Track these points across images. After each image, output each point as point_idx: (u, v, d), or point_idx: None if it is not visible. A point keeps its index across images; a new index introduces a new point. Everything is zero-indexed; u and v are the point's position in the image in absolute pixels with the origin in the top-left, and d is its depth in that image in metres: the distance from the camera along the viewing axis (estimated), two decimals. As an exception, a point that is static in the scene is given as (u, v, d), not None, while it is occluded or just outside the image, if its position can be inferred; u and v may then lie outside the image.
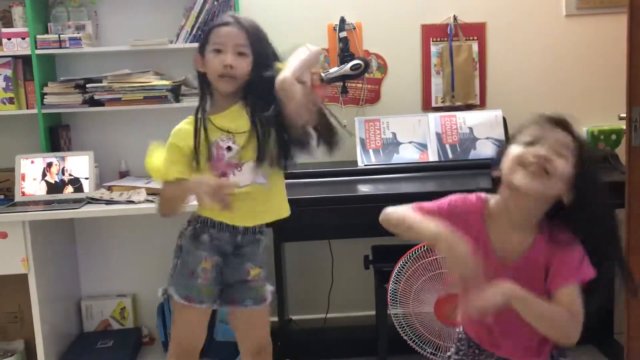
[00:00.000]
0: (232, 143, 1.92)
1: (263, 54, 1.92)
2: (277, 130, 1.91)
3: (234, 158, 1.92)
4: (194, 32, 2.95)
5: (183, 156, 1.94)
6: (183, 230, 2.04)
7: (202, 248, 1.98)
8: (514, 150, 1.45)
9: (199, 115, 1.97)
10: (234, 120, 1.93)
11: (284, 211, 2.07)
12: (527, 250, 1.46)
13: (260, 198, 1.97)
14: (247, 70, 1.91)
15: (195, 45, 2.90)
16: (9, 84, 2.97)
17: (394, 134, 3.04)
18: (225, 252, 2.01)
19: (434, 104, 3.23)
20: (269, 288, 2.10)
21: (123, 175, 3.16)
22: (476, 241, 1.45)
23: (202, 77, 2.00)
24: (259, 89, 1.90)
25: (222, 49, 1.90)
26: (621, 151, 3.09)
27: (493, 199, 1.52)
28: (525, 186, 1.39)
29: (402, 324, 2.54)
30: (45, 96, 2.97)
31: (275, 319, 2.86)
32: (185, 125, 1.99)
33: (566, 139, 1.44)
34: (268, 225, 2.10)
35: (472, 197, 1.54)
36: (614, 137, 3.17)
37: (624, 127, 2.47)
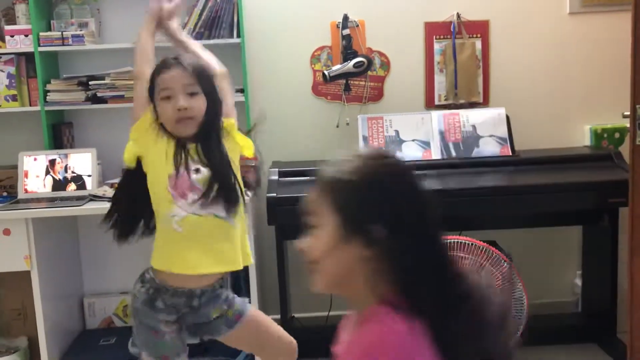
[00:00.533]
0: (202, 166, 1.85)
1: (214, 91, 1.88)
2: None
3: (199, 182, 1.84)
4: (196, 30, 2.94)
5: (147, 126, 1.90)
6: (136, 292, 1.94)
7: (157, 311, 1.89)
8: None
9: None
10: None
11: (246, 258, 1.95)
12: None
13: (220, 235, 1.87)
14: (203, 108, 1.85)
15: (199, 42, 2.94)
16: (12, 81, 2.97)
17: (397, 132, 3.03)
18: (182, 312, 1.92)
19: (437, 102, 3.23)
20: (238, 302, 2.00)
21: (126, 172, 3.16)
22: None
23: (164, 128, 1.88)
24: (215, 128, 1.88)
25: (171, 94, 1.82)
26: (625, 149, 3.08)
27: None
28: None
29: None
30: (48, 93, 2.97)
31: (278, 316, 2.86)
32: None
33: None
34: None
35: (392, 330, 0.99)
36: (617, 135, 3.16)
37: (628, 125, 2.46)
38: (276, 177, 2.85)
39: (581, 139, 3.25)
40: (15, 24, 2.97)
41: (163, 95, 1.83)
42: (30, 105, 3.00)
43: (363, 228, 1.00)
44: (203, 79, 1.85)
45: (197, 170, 1.84)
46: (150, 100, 1.88)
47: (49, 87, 2.97)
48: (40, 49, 2.91)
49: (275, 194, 2.71)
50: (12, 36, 2.91)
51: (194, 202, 1.83)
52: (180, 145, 1.86)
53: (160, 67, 1.86)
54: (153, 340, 1.90)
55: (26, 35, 2.91)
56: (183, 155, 1.84)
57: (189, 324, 1.96)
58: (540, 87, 3.25)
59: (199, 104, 1.83)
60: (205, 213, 1.84)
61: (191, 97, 1.82)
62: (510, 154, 2.98)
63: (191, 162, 1.85)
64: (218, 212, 1.85)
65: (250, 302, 2.05)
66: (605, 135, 3.17)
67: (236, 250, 1.90)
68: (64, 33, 2.92)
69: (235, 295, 2.02)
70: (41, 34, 2.92)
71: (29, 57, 2.98)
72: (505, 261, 2.35)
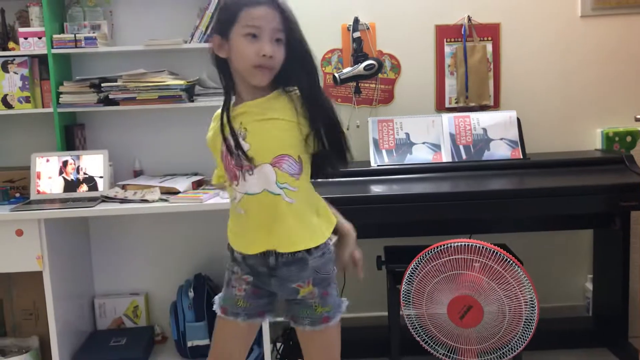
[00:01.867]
0: (242, 140, 1.67)
1: (297, 42, 1.68)
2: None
3: (244, 158, 1.66)
4: (208, 32, 2.96)
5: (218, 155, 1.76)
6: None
7: (236, 263, 1.80)
8: None
9: (224, 113, 1.72)
10: (267, 109, 1.68)
11: (317, 236, 1.73)
12: None
13: (277, 214, 1.67)
14: (282, 59, 1.68)
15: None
16: (26, 83, 2.99)
17: (407, 135, 3.03)
18: (259, 272, 1.77)
19: (447, 105, 3.23)
20: (334, 305, 1.80)
21: (137, 174, 3.18)
22: None
23: (224, 65, 1.72)
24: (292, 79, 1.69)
25: (259, 34, 1.64)
26: (637, 153, 3.07)
27: None
28: None
29: (414, 325, 2.53)
30: (60, 95, 2.99)
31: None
32: (212, 124, 1.79)
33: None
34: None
35: None
36: (629, 139, 3.14)
37: (640, 128, 2.45)
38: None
39: (593, 142, 3.24)
40: (28, 26, 3.00)
41: (247, 32, 1.63)
42: (43, 107, 3.03)
43: None
44: (292, 27, 1.67)
45: (237, 146, 1.66)
46: (220, 30, 1.68)
47: (61, 89, 2.99)
48: (54, 51, 2.93)
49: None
50: (25, 38, 2.94)
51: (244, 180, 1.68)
52: (225, 111, 1.71)
53: (251, 1, 1.65)
54: (225, 289, 1.84)
55: (39, 38, 2.94)
56: (228, 127, 1.68)
57: (277, 293, 1.81)
58: (551, 90, 3.24)
59: (281, 55, 1.66)
60: (258, 191, 1.67)
61: (277, 43, 1.66)
62: (521, 157, 2.97)
63: (229, 137, 1.68)
64: (271, 188, 1.66)
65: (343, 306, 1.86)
66: (617, 138, 3.15)
67: (297, 228, 1.70)
68: (76, 35, 2.95)
69: (335, 293, 1.81)
70: (54, 36, 2.94)
71: (42, 59, 3.00)
72: (516, 264, 2.35)
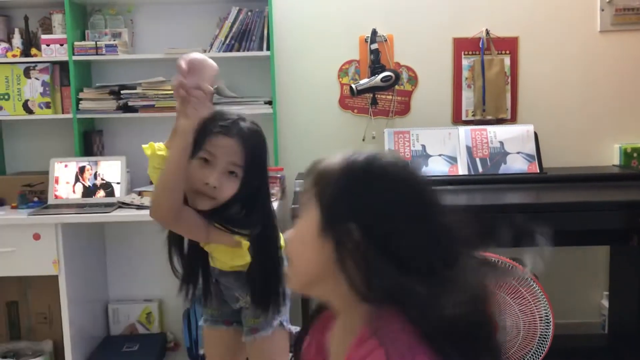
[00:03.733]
0: None
1: (253, 184, 1.65)
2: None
3: None
4: (227, 41, 2.98)
5: None
6: None
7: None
8: None
9: None
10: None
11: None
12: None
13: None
14: (231, 194, 1.64)
15: (229, 54, 2.98)
16: (47, 89, 3.03)
17: (424, 147, 3.03)
18: (216, 280, 1.87)
19: (464, 117, 3.22)
20: (265, 319, 1.83)
21: (153, 181, 3.20)
22: None
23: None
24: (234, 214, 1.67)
25: (212, 161, 1.62)
26: (655, 169, 3.04)
27: None
28: None
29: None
30: (80, 102, 3.02)
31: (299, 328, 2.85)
32: None
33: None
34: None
35: None
36: (648, 155, 3.12)
37: (659, 144, 2.43)
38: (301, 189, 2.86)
39: (610, 157, 3.22)
40: (51, 33, 3.04)
41: (202, 156, 1.63)
42: (63, 113, 3.06)
43: (339, 225, 0.93)
44: (252, 164, 1.64)
45: None
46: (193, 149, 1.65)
47: (81, 95, 3.03)
48: (75, 57, 2.97)
49: (298, 206, 2.72)
50: (48, 45, 2.98)
51: None
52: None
53: (220, 129, 1.63)
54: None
55: (61, 45, 2.98)
56: None
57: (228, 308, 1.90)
58: (569, 104, 3.22)
59: (230, 188, 1.63)
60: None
61: (228, 175, 1.63)
62: (538, 171, 2.95)
63: None
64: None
65: (285, 324, 1.89)
66: (635, 154, 3.13)
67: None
68: (97, 43, 2.98)
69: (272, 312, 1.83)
70: (76, 43, 2.98)
71: (63, 65, 3.04)
72: (531, 279, 2.33)
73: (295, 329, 1.91)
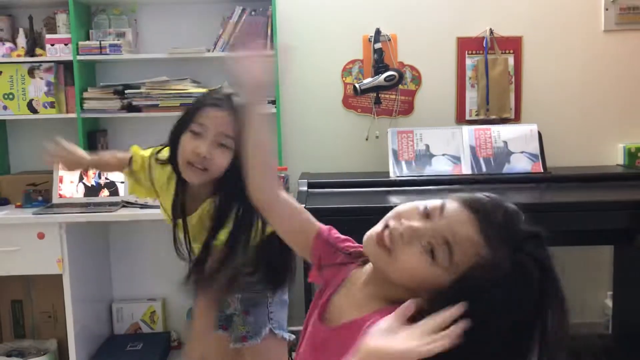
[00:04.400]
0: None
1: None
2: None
3: None
4: (231, 41, 2.99)
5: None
6: None
7: None
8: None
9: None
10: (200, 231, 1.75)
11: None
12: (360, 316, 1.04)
13: None
14: (223, 165, 1.64)
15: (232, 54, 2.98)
16: (51, 88, 3.04)
17: (427, 146, 3.02)
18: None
19: (468, 117, 3.22)
20: (254, 328, 1.86)
21: (157, 180, 3.21)
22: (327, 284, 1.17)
23: (174, 159, 1.72)
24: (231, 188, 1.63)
25: (203, 132, 1.63)
26: (660, 169, 3.03)
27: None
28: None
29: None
30: (84, 101, 3.03)
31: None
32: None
33: None
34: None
35: None
36: (652, 154, 3.11)
37: (663, 144, 2.42)
38: (305, 189, 2.85)
39: (614, 157, 3.21)
40: (55, 33, 3.05)
41: (192, 129, 1.65)
42: (67, 113, 3.07)
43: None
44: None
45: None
46: (179, 126, 1.70)
47: (85, 95, 3.04)
48: (79, 57, 2.98)
49: (304, 205, 2.71)
50: (52, 45, 2.99)
51: None
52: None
53: (210, 101, 1.66)
54: None
55: (66, 44, 2.99)
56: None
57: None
58: (573, 104, 3.22)
59: (222, 160, 1.64)
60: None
61: (219, 147, 1.64)
62: (542, 171, 2.95)
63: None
64: None
65: (277, 332, 1.89)
66: (639, 154, 3.12)
67: None
68: (102, 42, 2.99)
69: (260, 318, 1.88)
70: (80, 43, 2.99)
71: (67, 65, 3.05)
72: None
73: (290, 336, 1.91)
